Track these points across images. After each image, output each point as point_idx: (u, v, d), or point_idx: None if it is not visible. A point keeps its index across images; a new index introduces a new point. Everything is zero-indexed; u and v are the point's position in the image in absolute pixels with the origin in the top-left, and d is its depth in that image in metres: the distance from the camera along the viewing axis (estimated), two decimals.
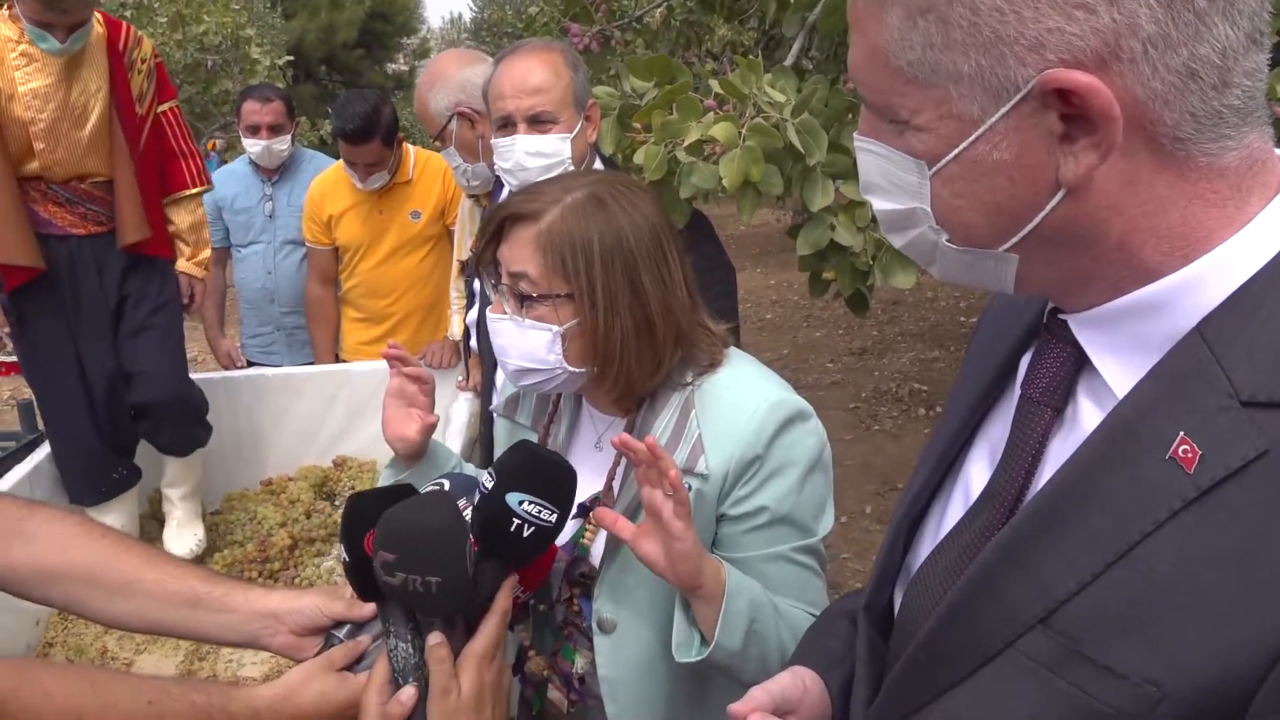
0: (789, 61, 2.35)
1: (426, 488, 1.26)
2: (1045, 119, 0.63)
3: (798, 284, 8.99)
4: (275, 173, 3.74)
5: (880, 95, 0.70)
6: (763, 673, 1.20)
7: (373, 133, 3.17)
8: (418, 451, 1.47)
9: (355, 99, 3.24)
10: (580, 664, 1.41)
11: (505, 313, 1.32)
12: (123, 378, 2.78)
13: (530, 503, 1.09)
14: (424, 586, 1.00)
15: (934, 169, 0.69)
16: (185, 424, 2.88)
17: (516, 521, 1.09)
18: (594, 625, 1.36)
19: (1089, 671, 0.64)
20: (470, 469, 1.63)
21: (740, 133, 1.89)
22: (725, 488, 1.30)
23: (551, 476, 1.13)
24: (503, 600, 1.11)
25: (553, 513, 1.11)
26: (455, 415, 2.81)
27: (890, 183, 0.73)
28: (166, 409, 2.81)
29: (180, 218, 2.89)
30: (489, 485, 1.11)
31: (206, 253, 3.00)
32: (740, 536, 1.32)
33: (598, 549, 1.37)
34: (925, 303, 8.51)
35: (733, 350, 1.40)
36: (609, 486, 1.37)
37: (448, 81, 2.52)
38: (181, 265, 2.92)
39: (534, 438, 1.49)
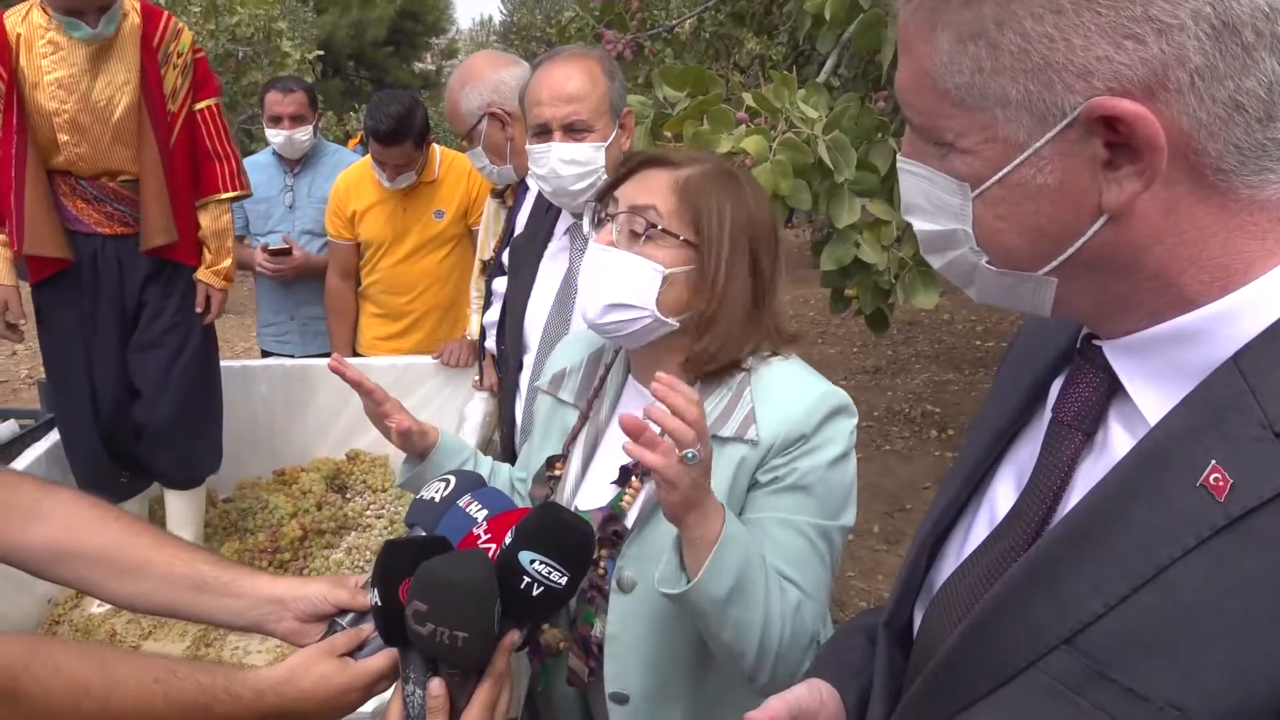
0: (821, 78, 2.36)
1: (433, 482, 1.27)
2: (1090, 145, 0.64)
3: (814, 300, 8.98)
4: (297, 164, 3.77)
5: (927, 117, 0.71)
6: (739, 638, 1.22)
7: (406, 135, 3.18)
8: (417, 451, 1.52)
9: (390, 99, 3.23)
10: (599, 628, 1.42)
11: (614, 243, 1.36)
12: (128, 389, 2.71)
13: (541, 563, 1.10)
14: (451, 640, 1.02)
15: (977, 191, 0.69)
16: (184, 447, 2.77)
17: (526, 580, 1.10)
18: (614, 584, 1.38)
19: (1112, 693, 0.64)
20: (487, 462, 1.65)
21: (771, 146, 1.90)
22: (768, 457, 1.33)
23: (567, 540, 1.13)
24: (499, 663, 1.10)
25: (563, 575, 1.11)
26: (470, 414, 2.82)
27: (932, 204, 0.74)
28: (163, 432, 2.72)
29: (205, 222, 2.76)
30: (509, 540, 1.13)
31: (228, 262, 2.81)
32: (762, 497, 1.34)
33: (633, 513, 1.39)
34: (941, 325, 8.49)
35: (791, 351, 1.45)
36: None
37: (481, 82, 2.53)
38: (200, 274, 2.77)
39: (575, 414, 1.53)
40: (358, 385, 1.49)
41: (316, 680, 1.11)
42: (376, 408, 1.52)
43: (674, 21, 3.37)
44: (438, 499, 1.25)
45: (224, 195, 2.77)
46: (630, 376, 1.50)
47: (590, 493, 1.46)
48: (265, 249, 3.64)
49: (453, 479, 1.27)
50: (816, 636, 1.30)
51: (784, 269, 1.40)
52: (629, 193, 1.36)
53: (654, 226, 1.33)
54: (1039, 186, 0.67)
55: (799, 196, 1.95)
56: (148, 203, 2.60)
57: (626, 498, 1.40)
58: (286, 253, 3.62)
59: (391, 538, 1.21)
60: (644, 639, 1.37)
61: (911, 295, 2.19)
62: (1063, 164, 0.65)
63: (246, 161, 3.79)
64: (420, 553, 1.08)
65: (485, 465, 1.64)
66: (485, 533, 1.18)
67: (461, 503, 1.22)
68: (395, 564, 1.09)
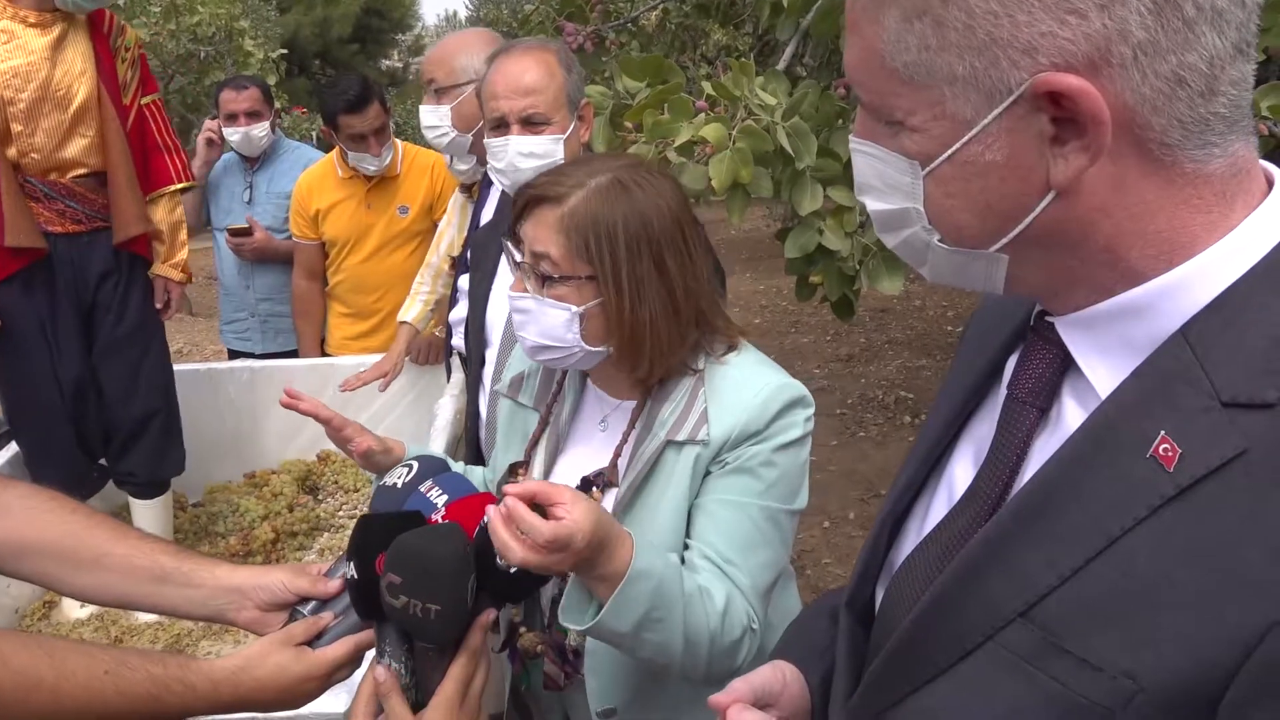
0: (781, 66, 2.36)
1: (397, 468, 1.26)
2: (1037, 121, 0.64)
3: (786, 289, 9.00)
4: (256, 160, 3.78)
5: (876, 96, 0.71)
6: (659, 655, 1.22)
7: (370, 96, 3.20)
8: (384, 468, 1.52)
9: (340, 78, 3.33)
10: (574, 636, 1.42)
11: (526, 290, 1.35)
12: (94, 389, 2.68)
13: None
14: (423, 613, 1.02)
15: (927, 169, 0.70)
16: (157, 448, 2.76)
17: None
18: None
19: (1067, 664, 0.65)
20: (459, 466, 1.64)
21: (731, 134, 1.90)
22: (721, 452, 1.33)
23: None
24: (474, 639, 1.09)
25: None
26: (440, 413, 2.80)
27: (884, 183, 0.74)
28: (137, 431, 2.71)
29: (160, 215, 2.74)
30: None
31: (183, 254, 2.83)
32: (711, 481, 1.34)
33: None
34: (913, 311, 8.53)
35: (742, 342, 1.43)
36: (614, 465, 1.39)
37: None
38: (157, 268, 2.77)
39: (536, 417, 1.52)
40: (314, 416, 1.49)
41: (273, 670, 1.11)
42: (337, 434, 1.51)
43: (637, 12, 3.36)
44: (399, 484, 1.25)
45: (176, 187, 2.78)
46: (589, 381, 1.49)
47: None
48: (228, 229, 3.70)
49: (415, 464, 1.26)
50: (750, 626, 1.29)
51: (702, 256, 1.37)
52: (528, 235, 1.35)
53: (551, 277, 1.32)
54: (987, 163, 0.67)
55: (760, 184, 1.95)
56: (119, 193, 2.58)
57: None
58: (247, 232, 3.66)
59: (367, 513, 1.20)
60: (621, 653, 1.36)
61: (876, 281, 2.19)
62: (1010, 140, 0.66)
63: (218, 170, 3.87)
64: (396, 527, 1.08)
65: (457, 470, 1.63)
66: (443, 519, 1.16)
67: (423, 488, 1.21)
68: (371, 537, 1.08)
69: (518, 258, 1.37)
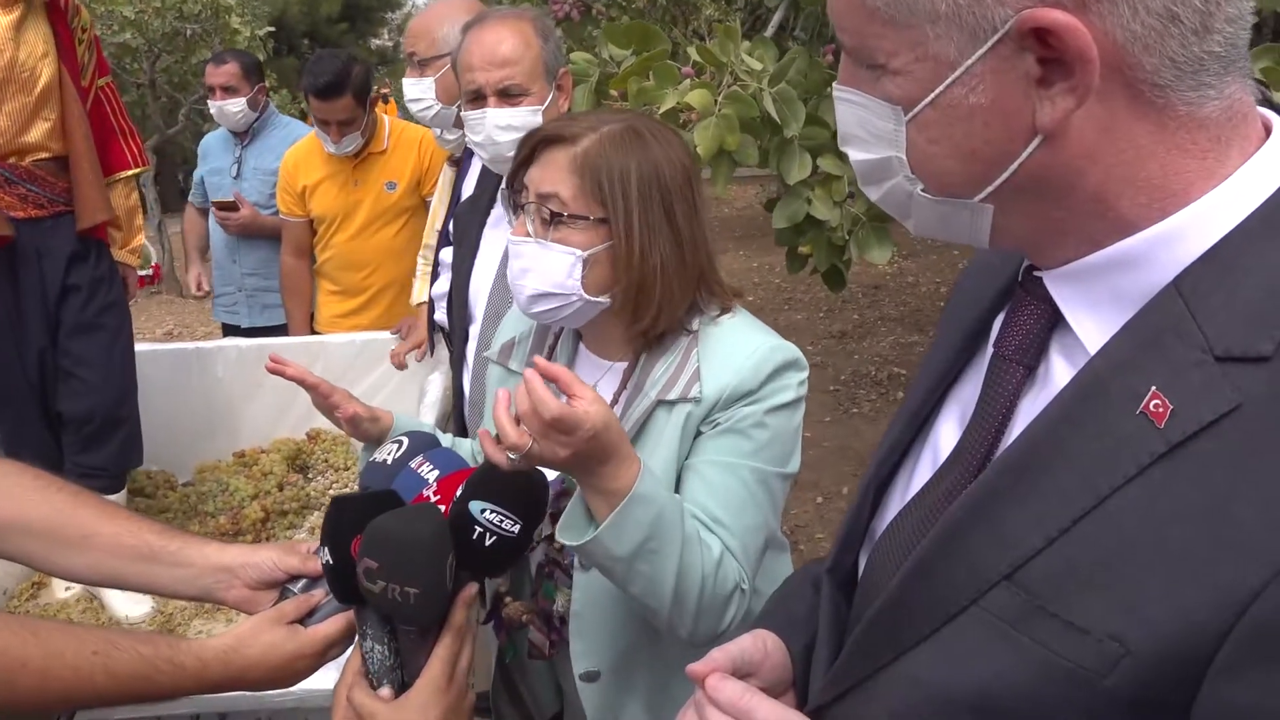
0: (769, 33, 2.33)
1: (387, 444, 1.25)
2: (1023, 61, 0.62)
3: (779, 267, 8.96)
4: (245, 135, 3.80)
5: (857, 38, 0.68)
6: (649, 593, 1.20)
7: (343, 87, 3.14)
8: (371, 437, 1.51)
9: (325, 57, 3.25)
10: (561, 602, 1.40)
11: (528, 234, 1.33)
12: (58, 377, 2.58)
13: (492, 511, 1.08)
14: (403, 597, 0.99)
15: (910, 114, 0.67)
16: (127, 435, 2.67)
17: (478, 529, 1.08)
18: (575, 561, 1.36)
19: (1053, 627, 0.63)
20: (447, 438, 1.63)
21: (716, 100, 1.87)
22: (713, 411, 1.31)
23: (518, 486, 1.11)
24: (457, 616, 1.07)
25: (515, 523, 1.09)
26: (430, 389, 2.79)
27: (867, 132, 0.71)
28: (101, 420, 2.60)
29: (117, 200, 2.68)
30: (460, 491, 1.10)
31: (139, 239, 2.81)
32: (703, 442, 1.32)
33: None
34: (906, 287, 8.51)
35: (736, 305, 1.42)
36: None
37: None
38: (118, 254, 2.69)
39: None
40: (300, 382, 1.47)
41: (264, 648, 1.09)
42: (324, 400, 1.49)
43: None
44: (390, 461, 1.24)
45: (132, 172, 2.75)
46: (582, 344, 1.47)
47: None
48: (214, 203, 3.77)
49: (405, 440, 1.25)
50: (740, 585, 1.28)
51: (705, 213, 1.36)
52: (534, 177, 1.32)
53: (559, 216, 1.29)
54: (972, 107, 0.64)
55: (746, 152, 1.93)
56: (82, 179, 2.51)
57: None
58: (233, 207, 3.71)
59: (340, 494, 1.18)
60: (608, 614, 1.36)
61: (865, 250, 2.17)
62: (995, 82, 0.63)
63: (209, 136, 4.00)
64: (370, 509, 1.05)
65: (445, 442, 1.62)
66: (435, 494, 1.16)
67: (413, 464, 1.20)
68: (344, 521, 1.06)
69: (519, 202, 1.35)
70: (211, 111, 3.74)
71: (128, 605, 2.49)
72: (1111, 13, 0.59)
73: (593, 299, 1.32)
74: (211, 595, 1.21)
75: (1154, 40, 0.60)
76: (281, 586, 1.19)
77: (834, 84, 0.74)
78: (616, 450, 1.14)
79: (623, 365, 1.40)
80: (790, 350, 1.35)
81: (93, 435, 2.61)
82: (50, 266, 2.54)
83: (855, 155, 0.74)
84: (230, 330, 3.90)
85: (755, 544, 1.31)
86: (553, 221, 1.30)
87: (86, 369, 2.59)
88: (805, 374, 1.37)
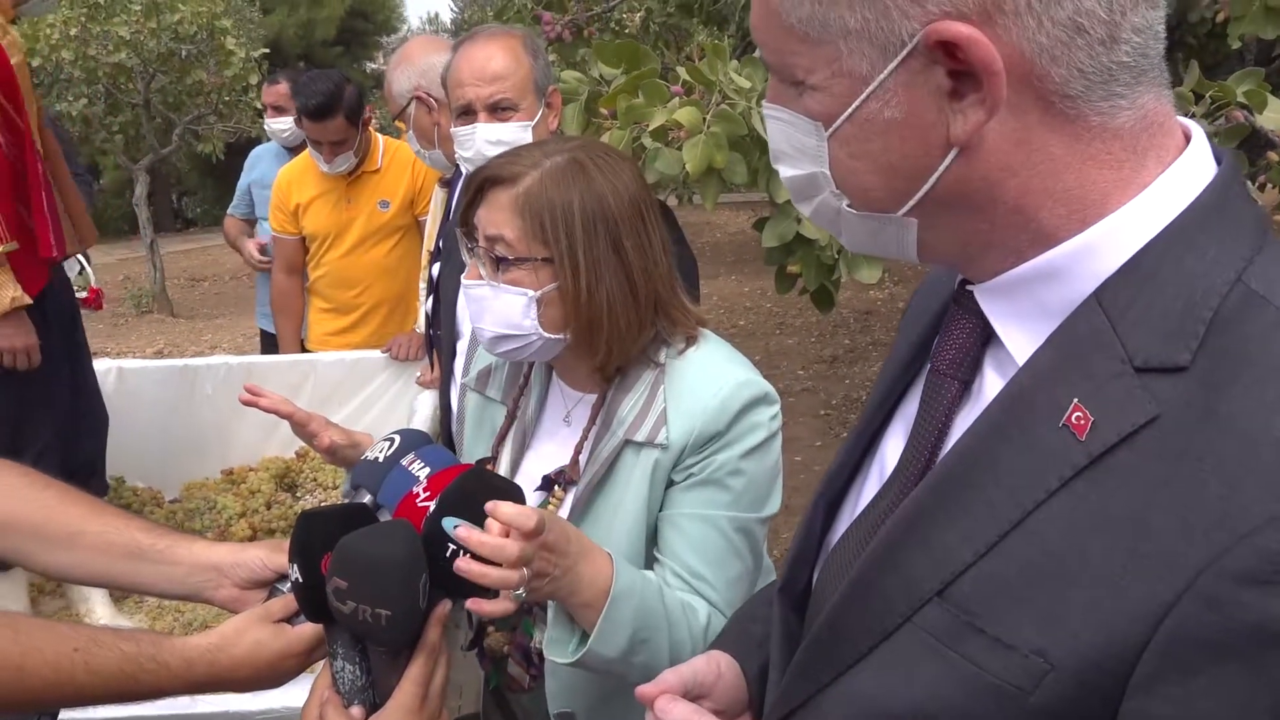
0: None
1: (379, 442, 1.23)
2: (933, 75, 0.62)
3: (771, 291, 8.97)
4: (295, 151, 3.83)
5: (778, 55, 0.69)
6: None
7: (334, 108, 3.16)
8: (352, 463, 1.47)
9: (318, 78, 3.25)
10: (539, 638, 1.39)
11: (481, 277, 1.32)
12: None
13: (467, 529, 1.05)
14: (374, 618, 0.96)
15: (830, 130, 0.67)
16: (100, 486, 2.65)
17: (452, 547, 1.05)
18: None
19: (981, 644, 0.63)
20: None
21: (705, 119, 1.89)
22: (682, 458, 1.29)
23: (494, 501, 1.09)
24: (430, 635, 1.04)
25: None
26: (419, 408, 2.78)
27: (793, 148, 0.72)
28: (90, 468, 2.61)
29: None
30: (433, 507, 1.08)
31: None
32: (677, 493, 1.30)
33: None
34: (897, 313, 8.54)
35: (706, 332, 1.40)
36: (575, 460, 1.37)
37: (412, 65, 2.48)
38: None
39: (504, 412, 1.49)
40: (275, 413, 1.44)
41: (250, 647, 1.07)
42: (301, 429, 1.47)
43: (615, 2, 3.35)
44: (381, 458, 1.21)
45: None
46: (554, 375, 1.46)
47: None
48: (258, 244, 3.90)
49: (397, 438, 1.23)
50: None
51: (661, 240, 1.33)
52: (482, 219, 1.31)
53: (506, 259, 1.28)
54: (887, 121, 0.65)
55: (735, 170, 1.94)
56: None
57: (551, 504, 1.36)
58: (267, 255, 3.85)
59: (308, 509, 1.16)
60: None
61: (854, 270, 2.18)
62: (908, 96, 0.63)
63: (259, 149, 4.18)
64: (339, 524, 1.02)
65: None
66: (425, 490, 1.13)
67: (404, 461, 1.18)
68: (314, 536, 1.03)
69: (469, 245, 1.34)
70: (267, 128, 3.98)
71: None
72: (1017, 25, 0.59)
73: (552, 336, 1.31)
74: (200, 594, 1.19)
75: (1061, 51, 0.60)
76: (270, 586, 1.17)
77: (764, 101, 0.75)
78: (580, 540, 1.15)
79: (594, 397, 1.39)
80: (757, 385, 1.32)
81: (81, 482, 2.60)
82: (69, 296, 2.55)
83: (785, 171, 0.74)
84: (268, 338, 3.93)
85: (740, 595, 1.30)
86: (501, 264, 1.29)
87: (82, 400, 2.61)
88: (776, 408, 1.34)
